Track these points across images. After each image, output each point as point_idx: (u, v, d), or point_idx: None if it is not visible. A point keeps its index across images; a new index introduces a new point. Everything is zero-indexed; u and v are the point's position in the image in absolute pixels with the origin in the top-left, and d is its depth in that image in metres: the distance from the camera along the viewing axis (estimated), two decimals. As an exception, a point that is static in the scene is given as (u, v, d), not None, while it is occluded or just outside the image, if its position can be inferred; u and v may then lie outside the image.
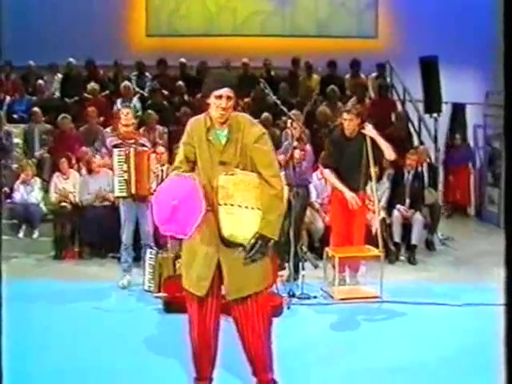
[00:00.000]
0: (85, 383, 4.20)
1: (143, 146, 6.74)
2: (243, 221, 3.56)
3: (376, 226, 6.90)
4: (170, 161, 8.30)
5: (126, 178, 6.51)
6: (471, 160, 11.59)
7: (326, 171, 6.75)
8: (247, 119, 3.77)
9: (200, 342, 3.77)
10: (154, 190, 6.69)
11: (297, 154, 6.58)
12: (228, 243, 3.61)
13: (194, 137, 3.72)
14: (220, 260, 3.64)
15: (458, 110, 11.80)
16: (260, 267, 3.68)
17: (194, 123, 3.79)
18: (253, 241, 3.57)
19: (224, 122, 3.65)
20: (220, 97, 3.59)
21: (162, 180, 7.10)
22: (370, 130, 6.38)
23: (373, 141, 6.36)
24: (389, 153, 6.45)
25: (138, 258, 6.97)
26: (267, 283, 3.83)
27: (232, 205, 3.54)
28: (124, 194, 6.57)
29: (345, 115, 6.49)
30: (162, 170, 7.37)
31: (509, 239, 1.77)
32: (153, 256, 6.47)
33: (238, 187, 3.56)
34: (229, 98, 3.61)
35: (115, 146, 6.64)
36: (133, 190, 6.51)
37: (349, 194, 6.40)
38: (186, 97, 11.17)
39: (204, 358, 3.81)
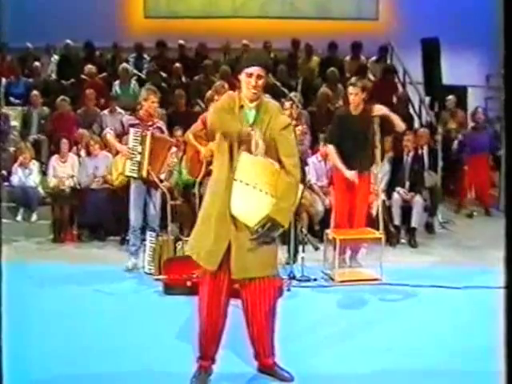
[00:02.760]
0: (86, 366, 4.22)
1: (160, 129, 6.73)
2: (255, 203, 3.62)
3: (376, 209, 6.94)
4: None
5: (138, 159, 6.51)
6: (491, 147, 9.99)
7: (330, 147, 6.77)
8: (277, 106, 3.86)
9: (208, 322, 3.81)
10: (161, 181, 6.73)
11: (298, 130, 6.59)
12: (238, 224, 3.65)
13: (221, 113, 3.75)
14: (230, 239, 3.68)
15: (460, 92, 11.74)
16: (268, 253, 3.76)
17: (226, 98, 3.82)
18: (262, 223, 3.62)
19: (254, 100, 3.70)
20: (250, 75, 3.66)
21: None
22: (380, 109, 6.39)
23: (381, 121, 6.37)
24: (400, 125, 6.50)
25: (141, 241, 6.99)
26: (274, 270, 3.89)
27: (247, 184, 3.59)
28: (134, 175, 6.56)
29: (350, 89, 6.50)
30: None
31: (509, 227, 1.80)
32: (153, 238, 6.52)
33: (256, 169, 3.61)
34: (259, 76, 3.66)
35: (132, 126, 6.62)
36: (144, 173, 6.51)
37: (348, 173, 6.44)
38: (183, 79, 11.15)
39: (210, 338, 3.86)
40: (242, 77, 3.70)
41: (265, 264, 3.77)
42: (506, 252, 1.81)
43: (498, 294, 1.92)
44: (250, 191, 3.60)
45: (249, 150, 3.62)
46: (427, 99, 10.72)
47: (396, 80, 11.64)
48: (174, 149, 6.80)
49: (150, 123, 6.66)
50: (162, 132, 6.77)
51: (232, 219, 3.65)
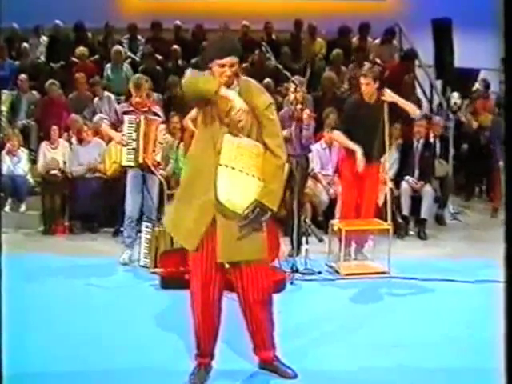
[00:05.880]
0: (78, 362, 4.25)
1: (156, 114, 6.78)
2: (242, 187, 3.65)
3: (383, 199, 6.98)
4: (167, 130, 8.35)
5: (134, 146, 6.57)
6: None
7: (336, 133, 6.82)
8: (257, 86, 3.88)
9: (203, 316, 3.85)
10: (159, 163, 6.77)
11: (305, 113, 6.60)
12: (224, 212, 3.67)
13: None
14: (216, 222, 3.70)
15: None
16: (255, 237, 3.76)
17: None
18: (251, 208, 3.65)
19: (229, 85, 3.71)
20: (223, 65, 3.67)
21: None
22: (390, 96, 6.42)
23: (390, 108, 6.40)
24: (414, 111, 6.55)
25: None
26: (262, 255, 3.87)
27: (233, 168, 3.62)
28: (131, 164, 6.63)
29: (362, 79, 6.53)
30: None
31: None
32: (149, 230, 6.56)
33: (241, 151, 3.64)
34: (232, 65, 3.68)
35: (125, 113, 6.67)
36: (140, 160, 6.58)
37: (360, 154, 6.45)
38: (180, 62, 11.15)
39: (206, 333, 3.90)
40: (215, 67, 3.69)
41: (252, 247, 3.77)
42: (506, 248, 1.86)
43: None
44: (237, 176, 3.63)
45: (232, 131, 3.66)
46: (438, 83, 10.68)
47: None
48: (162, 126, 6.83)
49: (144, 109, 6.71)
50: (159, 117, 6.82)
51: (218, 205, 3.66)
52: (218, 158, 3.64)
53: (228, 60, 3.66)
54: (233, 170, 3.63)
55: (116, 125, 6.85)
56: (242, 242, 3.72)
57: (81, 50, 10.95)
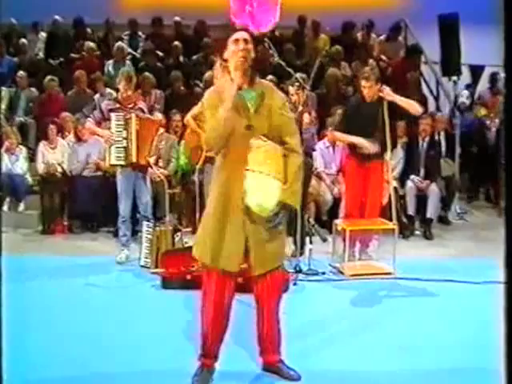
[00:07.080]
0: (77, 365, 4.26)
1: (142, 110, 6.79)
2: (270, 191, 3.69)
3: (388, 198, 6.98)
4: (167, 127, 8.37)
5: (124, 145, 6.56)
6: None
7: (338, 133, 6.86)
8: (271, 85, 3.98)
9: (214, 318, 3.87)
10: (150, 166, 6.79)
11: (306, 118, 6.62)
12: (252, 216, 3.70)
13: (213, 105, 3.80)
14: (247, 235, 3.75)
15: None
16: (281, 241, 3.89)
17: (212, 93, 3.88)
18: (277, 210, 3.70)
19: (245, 71, 3.74)
20: (237, 40, 3.76)
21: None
22: (388, 94, 6.43)
23: (390, 106, 6.41)
24: (414, 109, 6.53)
25: (135, 232, 7.08)
26: (284, 259, 4.05)
27: (261, 172, 3.66)
28: (122, 163, 6.63)
29: (363, 82, 6.54)
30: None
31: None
32: (150, 229, 6.57)
33: (268, 155, 3.69)
34: (246, 41, 3.76)
35: (111, 111, 6.67)
36: (133, 159, 6.57)
37: (366, 142, 6.47)
38: (181, 58, 11.15)
39: (215, 335, 3.92)
40: (230, 49, 3.78)
41: (279, 253, 3.91)
42: (506, 247, 1.87)
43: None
44: (265, 180, 3.66)
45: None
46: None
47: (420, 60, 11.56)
48: (161, 130, 6.86)
49: (130, 105, 6.71)
50: (144, 113, 6.81)
51: (245, 211, 3.70)
52: (245, 162, 3.65)
53: (241, 34, 3.79)
54: (260, 174, 3.66)
55: (100, 123, 6.85)
56: (270, 250, 3.80)
57: (88, 43, 10.99)
